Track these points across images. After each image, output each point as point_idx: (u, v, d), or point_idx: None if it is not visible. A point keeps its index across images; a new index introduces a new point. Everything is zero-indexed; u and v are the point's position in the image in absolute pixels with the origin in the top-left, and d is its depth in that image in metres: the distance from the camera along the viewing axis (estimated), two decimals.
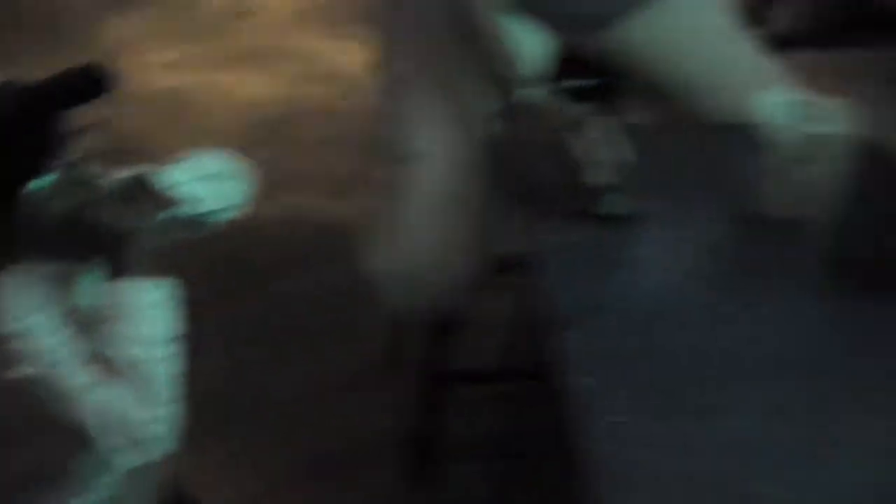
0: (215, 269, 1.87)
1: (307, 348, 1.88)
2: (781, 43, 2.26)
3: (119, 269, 0.92)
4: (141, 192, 0.96)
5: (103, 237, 0.91)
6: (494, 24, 1.34)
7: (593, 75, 1.53)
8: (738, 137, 1.13)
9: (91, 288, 0.92)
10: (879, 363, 1.00)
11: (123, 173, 0.97)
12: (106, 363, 0.87)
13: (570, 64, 1.48)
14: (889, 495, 0.89)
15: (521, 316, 1.16)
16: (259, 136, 2.38)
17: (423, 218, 1.36)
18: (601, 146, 1.12)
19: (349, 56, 2.56)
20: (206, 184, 1.01)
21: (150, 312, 0.91)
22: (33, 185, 0.87)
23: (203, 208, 1.00)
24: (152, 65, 2.72)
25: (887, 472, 0.90)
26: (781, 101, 1.12)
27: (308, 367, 1.85)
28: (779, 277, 1.10)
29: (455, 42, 1.36)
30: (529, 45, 1.39)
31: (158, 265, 0.94)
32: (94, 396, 0.87)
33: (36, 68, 0.96)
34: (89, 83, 0.95)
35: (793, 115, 1.10)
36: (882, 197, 1.02)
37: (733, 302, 1.07)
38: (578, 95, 1.41)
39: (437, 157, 1.36)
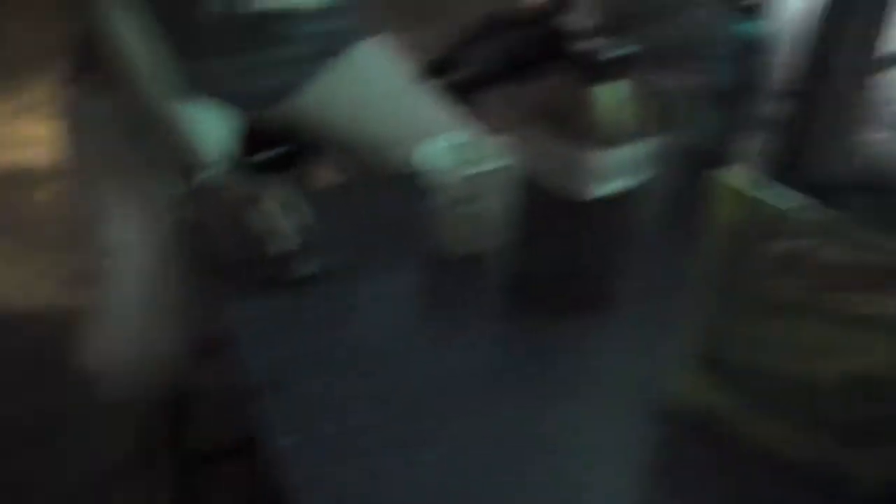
0: None
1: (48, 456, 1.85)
2: (474, 84, 2.39)
3: None
4: None
5: None
6: (170, 111, 1.37)
7: (279, 145, 1.59)
8: (414, 186, 1.20)
9: None
10: (569, 382, 1.09)
11: None
12: None
13: (255, 137, 1.53)
14: None
15: (234, 389, 1.19)
16: None
17: (126, 307, 1.38)
18: (283, 214, 1.16)
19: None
20: None
21: None
22: None
23: None
24: None
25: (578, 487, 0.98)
26: (445, 146, 1.19)
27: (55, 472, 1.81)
28: (467, 311, 1.16)
29: (132, 134, 1.39)
30: (209, 126, 1.43)
31: None
32: None
33: None
34: None
35: (455, 158, 1.17)
36: (543, 226, 1.10)
37: (428, 341, 1.13)
38: (265, 167, 1.45)
39: (131, 248, 1.38)
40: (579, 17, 2.83)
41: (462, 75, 2.57)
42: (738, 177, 0.95)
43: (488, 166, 1.16)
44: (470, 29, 2.81)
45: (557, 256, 1.12)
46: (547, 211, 1.10)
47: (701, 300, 1.00)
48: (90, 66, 1.43)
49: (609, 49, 1.03)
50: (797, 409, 0.97)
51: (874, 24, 1.49)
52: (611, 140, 1.05)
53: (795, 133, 1.54)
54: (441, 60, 2.67)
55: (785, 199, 0.94)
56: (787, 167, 1.52)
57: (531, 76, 2.33)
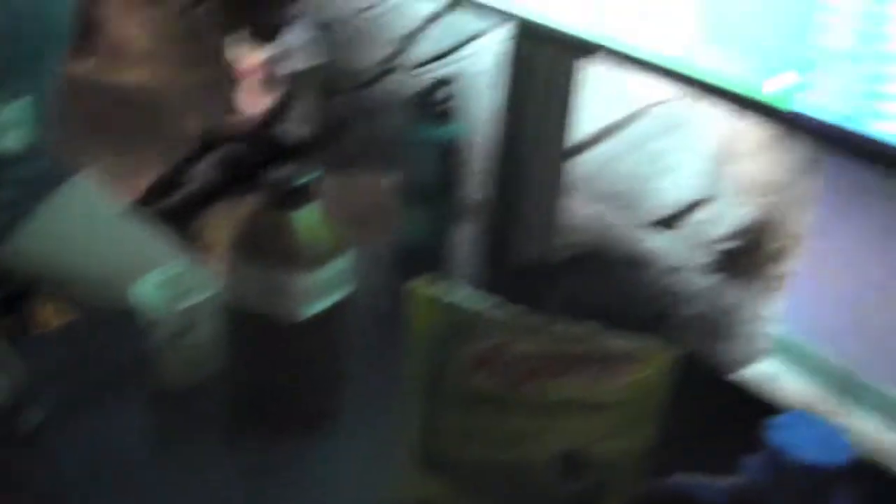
0: None
1: None
2: (192, 205, 2.41)
3: None
4: None
5: None
6: None
7: None
8: (133, 321, 1.21)
9: None
10: (302, 499, 1.12)
11: None
12: None
13: None
14: None
15: None
16: None
17: None
18: None
19: None
20: None
21: None
22: None
23: None
24: None
25: None
26: (158, 279, 1.21)
27: None
28: (195, 441, 1.18)
29: None
30: None
31: None
32: None
33: None
34: None
35: (168, 291, 1.19)
36: (259, 351, 1.13)
37: (158, 475, 1.14)
38: None
39: None
40: (295, 126, 2.89)
41: (179, 197, 2.58)
42: (431, 284, 1.02)
43: (200, 296, 1.19)
44: (188, 146, 2.84)
45: (276, 379, 1.15)
46: (260, 336, 1.13)
47: (413, 401, 1.05)
48: None
49: (298, 175, 1.08)
50: (512, 493, 1.03)
51: (561, 112, 1.60)
52: (312, 261, 1.09)
53: (499, 223, 1.64)
54: (159, 183, 2.68)
55: (476, 300, 1.01)
56: (496, 256, 1.61)
57: (250, 190, 2.37)
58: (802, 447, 0.88)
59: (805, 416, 0.93)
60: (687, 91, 1.17)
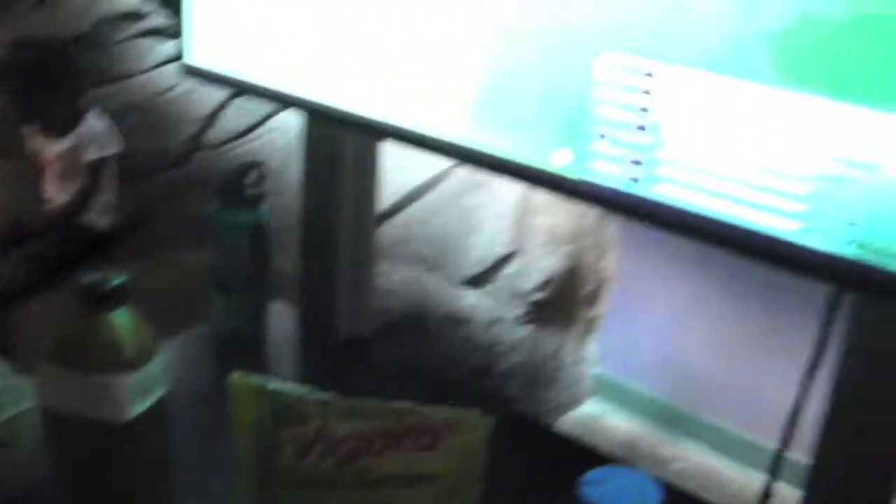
0: None
1: None
2: (10, 301, 2.35)
3: None
4: None
5: None
6: None
7: None
8: None
9: None
10: None
11: None
12: None
13: None
14: None
15: None
16: None
17: None
18: None
19: None
20: None
21: None
22: None
23: None
24: None
25: None
26: None
27: None
28: None
29: None
30: None
31: None
32: None
33: None
34: None
35: None
36: (88, 456, 1.13)
37: None
38: None
39: None
40: (99, 215, 2.87)
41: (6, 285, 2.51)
42: (249, 374, 1.04)
43: (19, 407, 1.18)
44: None
45: (105, 483, 1.14)
46: (85, 441, 1.13)
47: (244, 491, 1.07)
48: None
49: (109, 278, 1.09)
50: None
51: (365, 181, 1.64)
52: (130, 362, 1.10)
53: (315, 301, 1.67)
54: None
55: (294, 386, 1.04)
56: (314, 334, 1.64)
57: (60, 289, 2.32)
58: (614, 499, 0.94)
59: (617, 469, 0.99)
60: (479, 170, 1.22)
